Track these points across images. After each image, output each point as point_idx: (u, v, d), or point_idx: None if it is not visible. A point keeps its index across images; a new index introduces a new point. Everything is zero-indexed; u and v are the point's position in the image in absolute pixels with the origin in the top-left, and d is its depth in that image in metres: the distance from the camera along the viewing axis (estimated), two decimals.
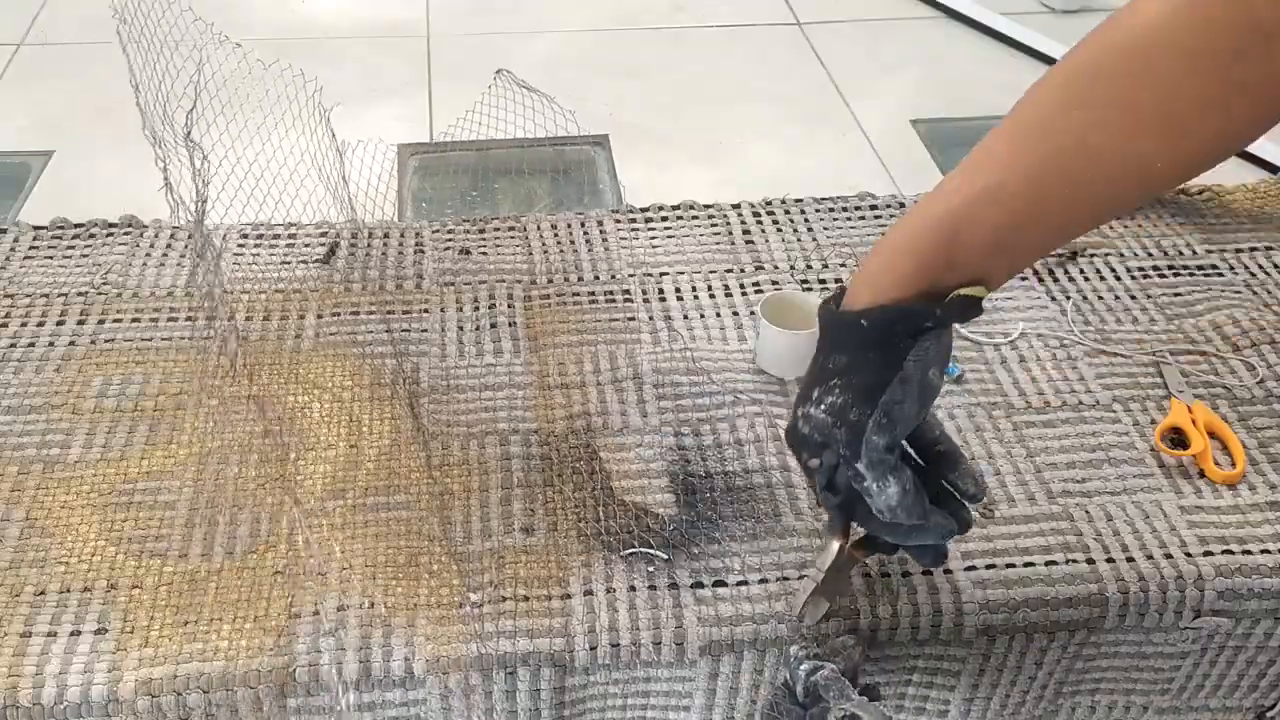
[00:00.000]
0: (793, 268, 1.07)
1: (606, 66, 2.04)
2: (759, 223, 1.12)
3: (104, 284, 1.02)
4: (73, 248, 1.06)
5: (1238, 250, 1.10)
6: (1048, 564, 0.79)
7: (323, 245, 1.07)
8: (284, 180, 1.12)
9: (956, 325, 0.93)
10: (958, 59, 2.12)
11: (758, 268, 1.06)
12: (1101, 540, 0.81)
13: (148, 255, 1.05)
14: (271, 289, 1.02)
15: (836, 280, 1.05)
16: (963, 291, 0.60)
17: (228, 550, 0.78)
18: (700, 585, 0.76)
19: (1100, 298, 1.04)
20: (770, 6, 2.30)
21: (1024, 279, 1.05)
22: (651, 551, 0.78)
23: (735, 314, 1.01)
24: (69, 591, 0.75)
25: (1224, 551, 0.80)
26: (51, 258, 1.05)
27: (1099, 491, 0.84)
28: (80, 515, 0.80)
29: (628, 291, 1.03)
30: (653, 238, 1.10)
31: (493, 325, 0.99)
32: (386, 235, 1.10)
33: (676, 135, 1.83)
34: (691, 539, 0.79)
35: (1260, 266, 1.08)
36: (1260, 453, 0.88)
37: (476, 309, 1.00)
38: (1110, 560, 0.79)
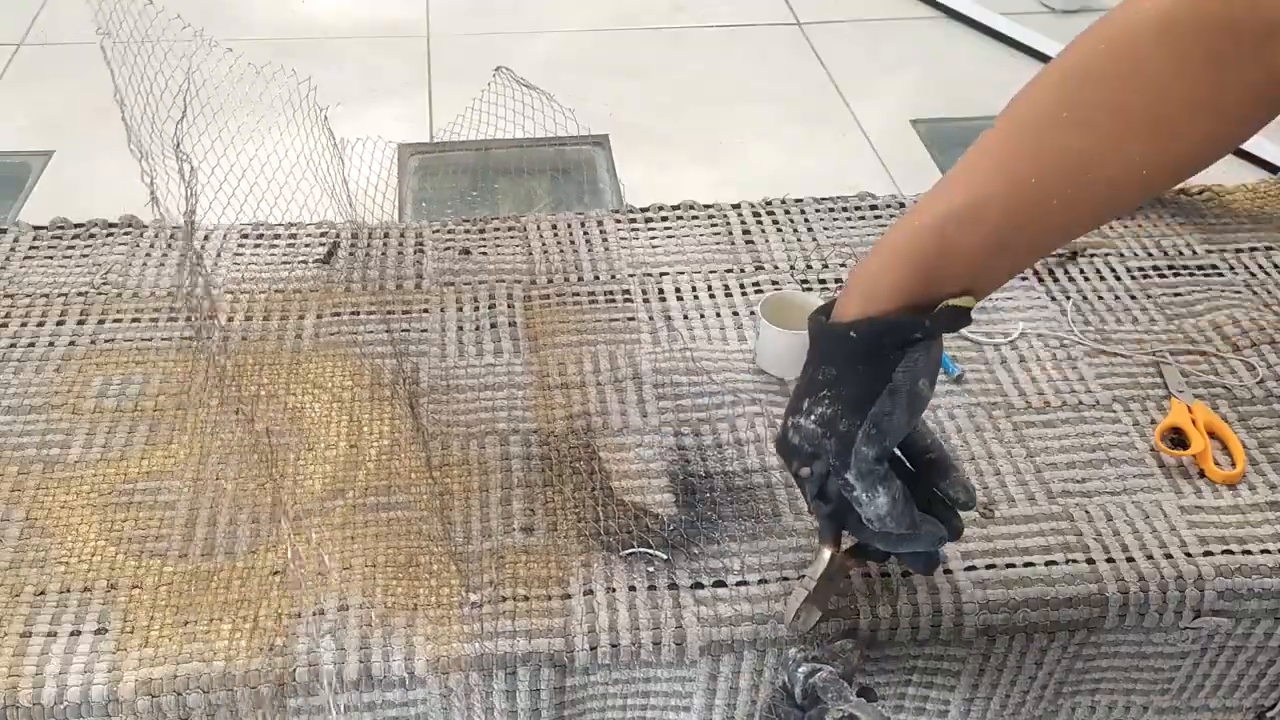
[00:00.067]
0: (793, 268, 1.06)
1: (606, 66, 2.04)
2: (759, 223, 1.12)
3: (104, 284, 1.02)
4: (73, 248, 1.06)
5: (1238, 250, 1.10)
6: (1048, 564, 0.79)
7: (323, 245, 1.07)
8: (280, 182, 1.12)
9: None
10: (958, 59, 2.12)
11: (758, 268, 1.06)
12: (1101, 540, 0.81)
13: (148, 255, 1.05)
14: (271, 289, 1.02)
15: (837, 280, 1.05)
16: (951, 303, 0.60)
17: (228, 550, 0.78)
18: (700, 585, 0.76)
19: (1100, 298, 1.04)
20: (770, 6, 2.30)
21: (1024, 279, 1.05)
22: (651, 551, 0.78)
23: (735, 314, 1.01)
24: (69, 591, 0.75)
25: (1224, 551, 0.80)
26: (51, 258, 1.05)
27: (1099, 491, 0.84)
28: (80, 515, 0.80)
29: (628, 291, 1.03)
30: (653, 238, 1.10)
31: (493, 325, 0.99)
32: (386, 235, 1.10)
33: (676, 135, 1.83)
34: (691, 539, 0.79)
35: (1260, 266, 1.08)
36: (1260, 453, 0.88)
37: (476, 309, 1.00)
38: (1110, 560, 0.79)
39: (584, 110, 1.56)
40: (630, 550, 0.78)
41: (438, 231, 1.10)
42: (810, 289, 1.04)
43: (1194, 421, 0.88)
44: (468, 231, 1.11)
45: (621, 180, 1.64)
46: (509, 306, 1.01)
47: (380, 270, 1.05)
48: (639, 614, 0.74)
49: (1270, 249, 1.10)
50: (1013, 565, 0.79)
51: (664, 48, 2.15)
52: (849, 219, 1.14)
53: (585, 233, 1.11)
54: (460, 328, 0.98)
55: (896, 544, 0.68)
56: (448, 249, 1.08)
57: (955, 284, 0.61)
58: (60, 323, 0.97)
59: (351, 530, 0.79)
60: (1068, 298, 1.03)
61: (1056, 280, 1.05)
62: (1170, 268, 1.08)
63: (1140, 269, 1.07)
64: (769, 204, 1.15)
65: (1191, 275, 1.07)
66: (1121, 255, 1.09)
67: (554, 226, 1.12)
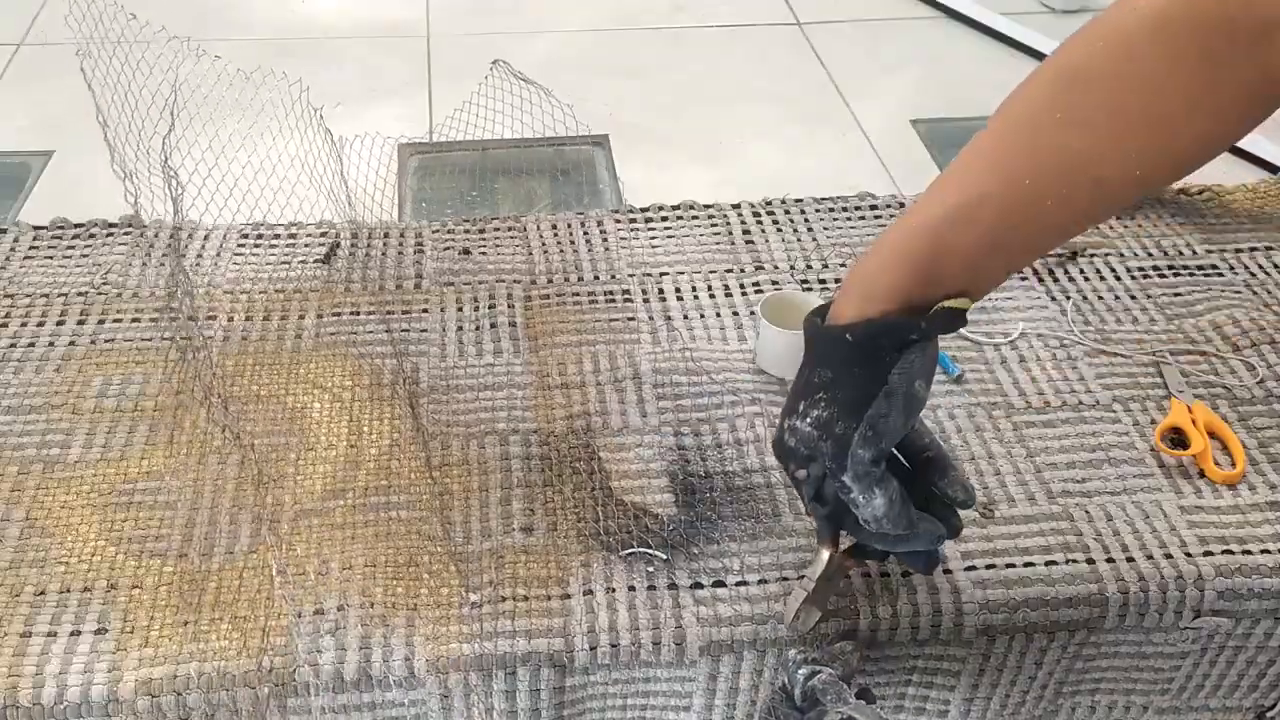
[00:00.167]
0: (793, 268, 1.06)
1: (606, 66, 2.04)
2: (759, 223, 1.12)
3: (104, 284, 1.02)
4: (73, 248, 1.06)
5: (1238, 250, 1.10)
6: (1048, 564, 0.79)
7: (323, 245, 1.07)
8: (275, 187, 1.12)
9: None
10: (958, 59, 2.12)
11: (758, 268, 1.06)
12: (1101, 540, 0.81)
13: (148, 255, 1.05)
14: (271, 289, 1.02)
15: (837, 280, 1.05)
16: (947, 304, 0.60)
17: (228, 550, 0.78)
18: (700, 585, 0.76)
19: (1100, 298, 1.03)
20: (770, 6, 2.29)
21: (1024, 279, 1.05)
22: (651, 551, 0.78)
23: (735, 314, 1.01)
24: (69, 591, 0.75)
25: (1224, 551, 0.80)
26: (51, 258, 1.05)
27: (1099, 491, 0.84)
28: (80, 515, 0.80)
29: (628, 291, 1.03)
30: (653, 238, 1.10)
31: (493, 325, 0.99)
32: (386, 235, 1.10)
33: (676, 135, 1.83)
34: (691, 539, 0.79)
35: (1260, 266, 1.08)
36: (1260, 453, 0.88)
37: (476, 309, 1.00)
38: (1110, 560, 0.79)
39: (584, 110, 1.55)
40: (630, 550, 0.78)
41: (438, 231, 1.10)
42: (810, 289, 1.04)
43: (1194, 421, 0.88)
44: (468, 231, 1.11)
45: (621, 180, 1.64)
46: (509, 306, 1.01)
47: (380, 270, 1.05)
48: (639, 614, 0.74)
49: (1270, 249, 1.10)
50: (1013, 565, 0.79)
51: (664, 48, 2.14)
52: (849, 219, 1.14)
53: (585, 233, 1.11)
54: (460, 328, 0.98)
55: (895, 544, 0.68)
56: (448, 249, 1.08)
57: (951, 285, 0.61)
58: (60, 323, 0.97)
59: (351, 530, 0.79)
60: (1068, 298, 1.03)
61: (1056, 280, 1.05)
62: (1170, 268, 1.08)
63: (1140, 269, 1.07)
64: (769, 204, 1.15)
65: (1191, 275, 1.07)
66: (1121, 255, 1.09)
67: (554, 226, 1.12)
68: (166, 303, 0.97)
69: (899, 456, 0.68)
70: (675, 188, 1.51)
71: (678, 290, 1.03)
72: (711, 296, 1.02)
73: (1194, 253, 1.10)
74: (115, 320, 0.98)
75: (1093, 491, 0.84)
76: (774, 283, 1.04)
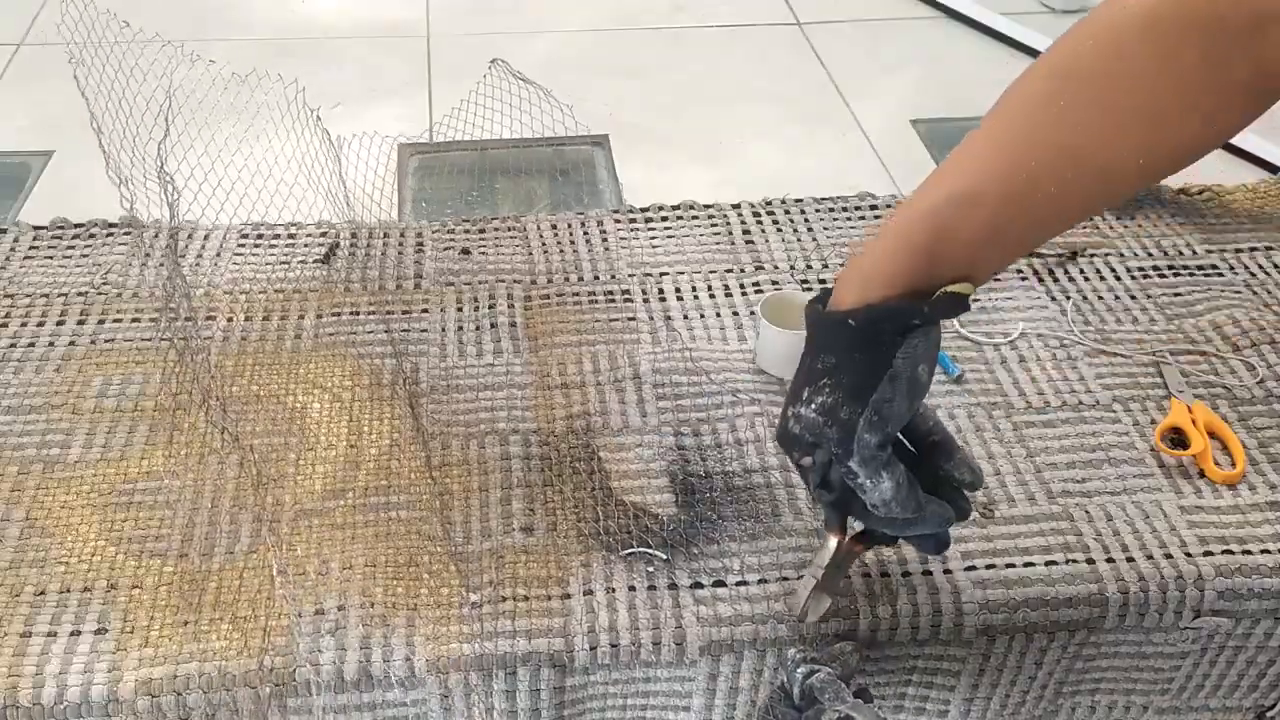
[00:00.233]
0: (793, 268, 1.07)
1: (606, 66, 2.04)
2: (759, 223, 1.12)
3: (104, 284, 1.02)
4: (73, 248, 1.06)
5: (1238, 250, 1.10)
6: (1048, 564, 0.79)
7: (322, 245, 1.07)
8: (272, 190, 1.12)
9: (956, 326, 0.93)
10: (958, 59, 2.12)
11: (758, 268, 1.06)
12: (1101, 540, 0.81)
13: (148, 255, 1.05)
14: (271, 289, 1.02)
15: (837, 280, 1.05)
16: (949, 289, 0.60)
17: (228, 550, 0.78)
18: (700, 585, 0.76)
19: (1100, 298, 1.04)
20: (770, 6, 2.29)
21: (1024, 279, 1.05)
22: (651, 551, 0.78)
23: (735, 314, 1.01)
24: (69, 591, 0.75)
25: (1224, 551, 0.80)
26: (51, 258, 1.05)
27: (1099, 491, 0.84)
28: (80, 515, 0.80)
29: (627, 291, 1.03)
30: (653, 238, 1.10)
31: (493, 325, 0.99)
32: (386, 235, 1.10)
33: (676, 135, 1.83)
34: (691, 539, 0.79)
35: (1260, 266, 1.08)
36: (1260, 453, 0.88)
37: (476, 309, 1.00)
38: (1110, 560, 0.79)
39: (584, 110, 1.56)
40: (630, 550, 0.78)
41: (437, 231, 1.10)
42: (810, 289, 1.04)
43: (1194, 421, 0.88)
44: (468, 231, 1.11)
45: (621, 180, 1.64)
46: (509, 306, 1.01)
47: (380, 270, 1.05)
48: (639, 614, 0.74)
49: (1270, 249, 1.10)
50: (1013, 565, 0.79)
51: (664, 48, 2.14)
52: (849, 219, 1.14)
53: (585, 233, 1.11)
54: (460, 328, 0.98)
55: (903, 528, 0.67)
56: (447, 249, 1.08)
57: (953, 270, 0.61)
58: (60, 323, 0.97)
59: (351, 530, 0.79)
60: (1068, 298, 1.03)
61: (1056, 280, 1.05)
62: (1170, 268, 1.08)
63: (1140, 269, 1.07)
64: (769, 204, 1.15)
65: (1191, 275, 1.07)
66: (1121, 255, 1.09)
67: (554, 226, 1.12)
68: (165, 305, 0.97)
69: (904, 441, 0.68)
70: (675, 188, 1.51)
71: (678, 290, 1.03)
72: (711, 296, 1.02)
73: (1194, 253, 1.10)
74: (115, 320, 0.98)
75: (1093, 491, 0.84)
76: (774, 283, 1.04)
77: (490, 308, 1.00)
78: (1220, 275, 1.07)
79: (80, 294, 1.00)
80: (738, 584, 0.77)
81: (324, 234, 1.09)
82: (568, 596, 0.75)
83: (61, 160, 1.71)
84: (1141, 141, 0.57)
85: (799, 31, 2.21)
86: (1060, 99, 0.57)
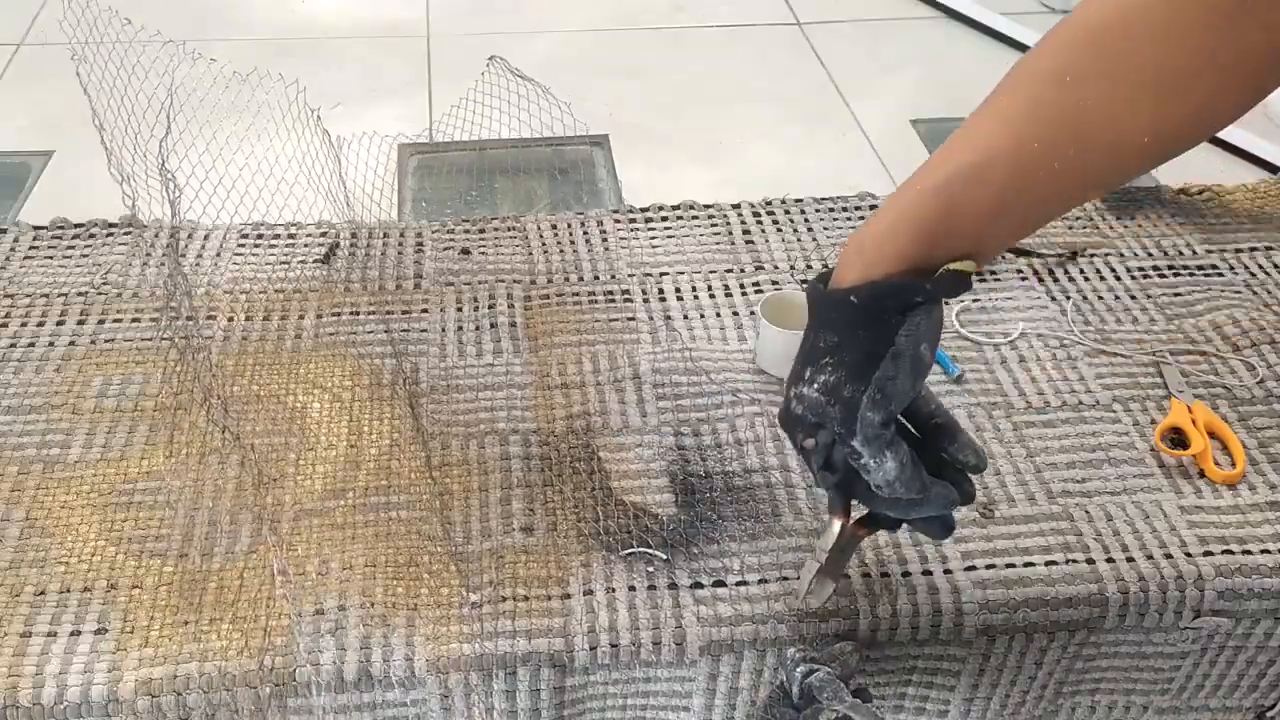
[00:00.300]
0: (793, 268, 1.07)
1: (606, 66, 2.04)
2: (759, 223, 1.12)
3: (104, 284, 1.02)
4: (73, 248, 1.06)
5: (1238, 250, 1.10)
6: (1048, 564, 0.79)
7: (322, 245, 1.07)
8: (273, 189, 1.12)
9: (956, 326, 0.93)
10: (958, 59, 2.12)
11: (758, 268, 1.06)
12: (1101, 540, 0.81)
13: (148, 255, 1.05)
14: (271, 289, 1.02)
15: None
16: (952, 266, 0.60)
17: (227, 550, 0.78)
18: (700, 585, 0.76)
19: (1100, 298, 1.04)
20: (770, 6, 2.29)
21: (1024, 279, 1.05)
22: (651, 551, 0.78)
23: (735, 314, 1.01)
24: (69, 591, 0.75)
25: (1224, 551, 0.80)
26: (51, 258, 1.05)
27: (1099, 491, 0.84)
28: (80, 515, 0.80)
29: (627, 291, 1.03)
30: (653, 238, 1.10)
31: (492, 325, 0.99)
32: (386, 235, 1.10)
33: (676, 135, 1.83)
34: (691, 539, 0.79)
35: (1260, 266, 1.08)
36: (1260, 453, 0.88)
37: (476, 309, 1.00)
38: (1110, 560, 0.79)
39: (584, 110, 1.56)
40: (630, 550, 0.78)
41: (437, 231, 1.10)
42: None
43: (1194, 421, 0.88)
44: (467, 231, 1.11)
45: (621, 180, 1.64)
46: (509, 306, 1.01)
47: (380, 270, 1.05)
48: (639, 614, 0.74)
49: (1270, 249, 1.10)
50: (1013, 565, 0.79)
51: (664, 48, 2.14)
52: (849, 219, 1.14)
53: (585, 233, 1.11)
54: (460, 328, 0.98)
55: (907, 510, 0.66)
56: (447, 249, 1.08)
57: (957, 247, 0.60)
58: (60, 323, 0.97)
59: (351, 530, 0.79)
60: (1068, 298, 1.03)
61: (1056, 280, 1.05)
62: (1170, 268, 1.08)
63: (1140, 269, 1.07)
64: (769, 204, 1.15)
65: (1191, 275, 1.07)
66: (1121, 255, 1.09)
67: (554, 226, 1.12)
68: (165, 304, 0.97)
69: (907, 425, 0.68)
70: (675, 188, 1.51)
71: (678, 290, 1.03)
72: (711, 296, 1.02)
73: (1194, 253, 1.10)
74: (115, 320, 0.98)
75: (1093, 491, 0.84)
76: (774, 283, 1.04)
77: (490, 308, 1.00)
78: (1220, 275, 1.07)
79: (80, 294, 1.00)
80: (738, 584, 0.77)
81: (324, 234, 1.09)
82: (568, 596, 0.75)
83: (61, 160, 1.71)
84: (1151, 116, 0.56)
85: (799, 31, 2.21)
86: (1068, 74, 0.57)
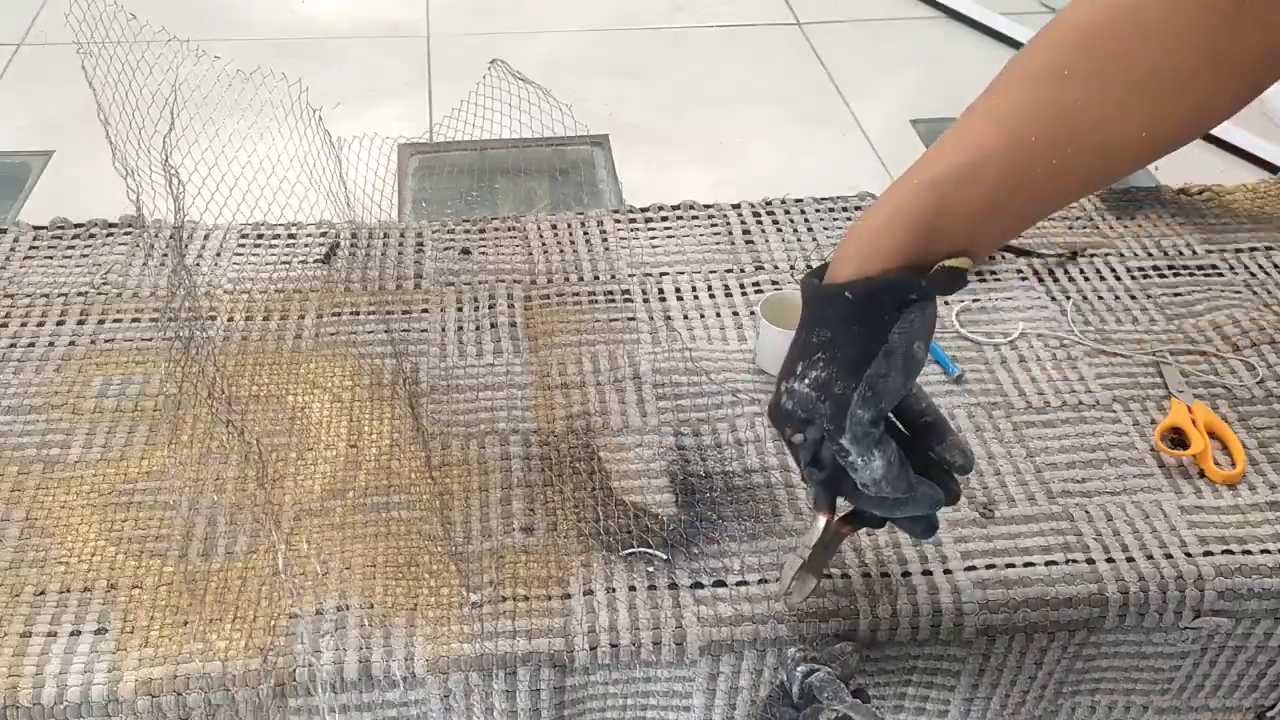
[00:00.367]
0: (793, 268, 1.06)
1: (606, 66, 2.04)
2: (759, 223, 1.12)
3: (104, 284, 1.02)
4: (73, 248, 1.06)
5: (1238, 250, 1.10)
6: (1048, 564, 0.79)
7: (322, 245, 1.07)
8: (275, 187, 1.12)
9: (956, 326, 0.93)
10: (958, 59, 2.12)
11: (758, 268, 1.06)
12: (1101, 540, 0.81)
13: (148, 255, 1.05)
14: (271, 289, 1.02)
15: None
16: (948, 263, 0.60)
17: (228, 550, 0.78)
18: (700, 585, 0.76)
19: (1100, 298, 1.04)
20: (770, 6, 2.29)
21: (1024, 279, 1.05)
22: (651, 551, 0.78)
23: (735, 314, 1.01)
24: (69, 591, 0.75)
25: (1224, 551, 0.80)
26: (51, 258, 1.05)
27: (1099, 491, 0.84)
28: (80, 515, 0.80)
29: (627, 291, 1.03)
30: (653, 238, 1.10)
31: (493, 325, 0.99)
32: (386, 235, 1.10)
33: (676, 135, 1.83)
34: (691, 539, 0.79)
35: (1260, 266, 1.08)
36: (1260, 453, 0.88)
37: (476, 309, 1.00)
38: (1110, 560, 0.79)
39: (584, 110, 1.55)
40: (630, 550, 0.78)
41: (438, 231, 1.10)
42: None
43: (1194, 421, 0.88)
44: (468, 231, 1.11)
45: (621, 180, 1.64)
46: (509, 306, 1.01)
47: (380, 270, 1.05)
48: (639, 614, 0.74)
49: (1270, 249, 1.10)
50: (1013, 565, 0.79)
51: (664, 48, 2.14)
52: (849, 219, 1.14)
53: (585, 233, 1.11)
54: (460, 328, 0.98)
55: (893, 509, 0.67)
56: (448, 249, 1.08)
57: (952, 244, 0.60)
58: (60, 323, 0.97)
59: (351, 530, 0.79)
60: (1068, 298, 1.03)
61: (1056, 280, 1.05)
62: (1170, 268, 1.08)
63: (1140, 269, 1.07)
64: (769, 204, 1.15)
65: (1191, 275, 1.07)
66: (1121, 255, 1.09)
67: (554, 226, 1.12)
68: (168, 300, 0.97)
69: (896, 422, 0.68)
70: (675, 188, 1.51)
71: (678, 290, 1.03)
72: (711, 296, 1.02)
73: (1194, 253, 1.10)
74: (115, 320, 0.98)
75: (1093, 491, 0.84)
76: (774, 283, 1.04)
77: (490, 308, 1.00)
78: (1220, 275, 1.07)
79: (80, 294, 1.00)
80: (738, 584, 0.77)
81: (324, 234, 1.09)
82: (568, 596, 0.75)
83: (61, 160, 1.70)
84: (1145, 114, 0.56)
85: (799, 31, 2.21)
86: (1063, 71, 0.57)
